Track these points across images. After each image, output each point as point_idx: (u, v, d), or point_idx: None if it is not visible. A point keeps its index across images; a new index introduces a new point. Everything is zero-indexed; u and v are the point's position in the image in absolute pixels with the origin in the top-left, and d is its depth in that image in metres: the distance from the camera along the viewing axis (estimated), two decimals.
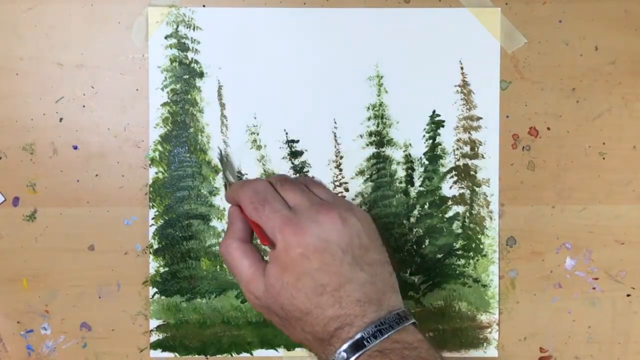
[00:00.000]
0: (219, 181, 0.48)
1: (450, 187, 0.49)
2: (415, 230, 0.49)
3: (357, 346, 0.33)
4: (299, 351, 0.49)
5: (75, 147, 0.48)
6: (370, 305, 0.35)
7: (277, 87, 0.48)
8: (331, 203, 0.37)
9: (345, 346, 0.33)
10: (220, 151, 0.48)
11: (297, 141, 0.48)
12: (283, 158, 0.48)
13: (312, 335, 0.35)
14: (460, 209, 0.49)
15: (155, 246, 0.48)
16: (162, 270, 0.48)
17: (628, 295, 0.49)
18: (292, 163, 0.48)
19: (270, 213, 0.36)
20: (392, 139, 0.49)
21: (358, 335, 0.33)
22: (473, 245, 0.49)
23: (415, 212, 0.49)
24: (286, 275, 0.35)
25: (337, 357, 0.34)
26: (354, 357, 0.33)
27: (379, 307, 0.35)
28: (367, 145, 0.49)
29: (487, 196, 0.49)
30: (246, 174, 0.48)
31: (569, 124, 0.49)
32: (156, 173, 0.48)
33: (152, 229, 0.48)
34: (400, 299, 0.37)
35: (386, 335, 0.33)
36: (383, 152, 0.49)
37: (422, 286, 0.49)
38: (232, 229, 0.39)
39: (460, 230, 0.49)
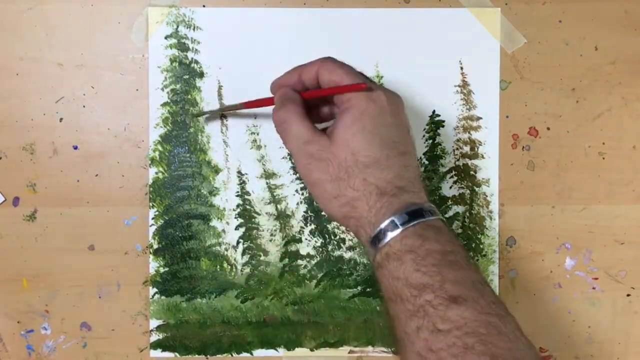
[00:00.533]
0: (219, 181, 0.48)
1: (450, 187, 0.49)
2: None
3: (415, 214, 0.33)
4: (298, 351, 0.48)
5: (75, 147, 0.48)
6: (424, 186, 0.37)
7: None
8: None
9: (405, 211, 0.33)
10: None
11: None
12: (283, 158, 0.48)
13: (368, 190, 0.34)
14: (460, 209, 0.49)
15: (155, 246, 0.48)
16: (162, 270, 0.48)
17: (628, 295, 0.49)
18: (292, 163, 0.48)
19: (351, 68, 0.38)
20: None
21: (426, 205, 0.34)
22: (473, 245, 0.49)
23: None
24: (365, 119, 0.35)
25: (389, 221, 0.33)
26: (411, 224, 0.33)
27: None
28: None
29: (487, 196, 0.49)
30: (246, 174, 0.48)
31: (569, 124, 0.49)
32: (156, 173, 0.48)
33: (152, 229, 0.48)
34: None
35: (439, 216, 0.35)
36: None
37: None
38: (290, 101, 0.38)
39: (460, 230, 0.49)
